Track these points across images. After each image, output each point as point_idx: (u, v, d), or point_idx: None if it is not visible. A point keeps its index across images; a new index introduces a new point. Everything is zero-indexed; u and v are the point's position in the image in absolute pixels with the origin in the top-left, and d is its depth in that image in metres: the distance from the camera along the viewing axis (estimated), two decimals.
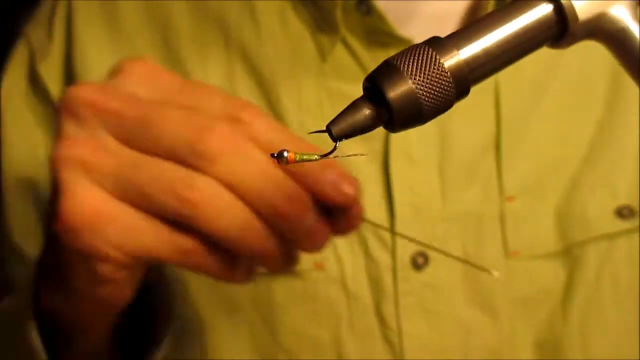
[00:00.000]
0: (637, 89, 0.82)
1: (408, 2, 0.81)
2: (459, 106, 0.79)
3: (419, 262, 0.79)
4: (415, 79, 0.45)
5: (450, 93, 0.46)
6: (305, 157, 0.47)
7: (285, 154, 0.46)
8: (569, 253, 0.80)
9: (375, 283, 0.79)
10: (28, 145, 0.83)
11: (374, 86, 0.46)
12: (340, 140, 0.46)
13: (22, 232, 0.83)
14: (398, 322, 0.78)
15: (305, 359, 0.78)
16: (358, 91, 0.76)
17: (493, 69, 0.48)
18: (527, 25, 0.48)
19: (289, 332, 0.78)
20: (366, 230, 0.78)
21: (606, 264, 0.80)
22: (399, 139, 0.80)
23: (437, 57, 0.46)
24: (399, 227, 0.79)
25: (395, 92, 0.45)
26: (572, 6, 0.48)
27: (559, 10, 0.48)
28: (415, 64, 0.46)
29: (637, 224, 0.81)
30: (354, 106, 0.46)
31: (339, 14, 0.79)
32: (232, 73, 0.81)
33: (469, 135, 0.81)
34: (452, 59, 0.46)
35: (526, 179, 0.82)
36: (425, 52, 0.46)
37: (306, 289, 0.78)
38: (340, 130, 0.45)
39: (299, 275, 0.78)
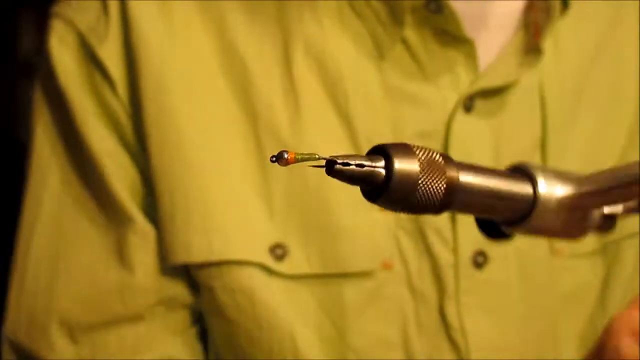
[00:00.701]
0: None
1: (478, 1, 0.84)
2: (510, 107, 0.85)
3: (479, 260, 0.81)
4: (422, 169, 0.49)
5: (437, 198, 0.50)
6: (305, 157, 0.48)
7: (286, 154, 0.48)
8: (605, 251, 0.85)
9: (438, 281, 0.80)
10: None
11: (385, 156, 0.49)
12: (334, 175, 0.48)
13: None
14: (461, 320, 0.80)
15: (375, 358, 0.79)
16: (414, 88, 0.81)
17: (470, 204, 0.53)
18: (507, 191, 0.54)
19: (359, 333, 0.79)
20: (428, 228, 0.80)
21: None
22: (458, 138, 0.82)
23: (442, 164, 0.50)
24: (460, 227, 0.80)
25: (402, 166, 0.49)
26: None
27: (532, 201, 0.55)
28: (426, 157, 0.50)
29: None
30: (361, 157, 0.49)
31: (407, 12, 0.80)
32: (293, 68, 0.81)
33: (519, 135, 0.84)
34: (452, 173, 0.51)
35: None
36: (438, 156, 0.50)
37: (375, 289, 0.79)
38: (337, 168, 0.48)
39: (368, 276, 0.79)
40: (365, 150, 0.82)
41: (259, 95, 0.81)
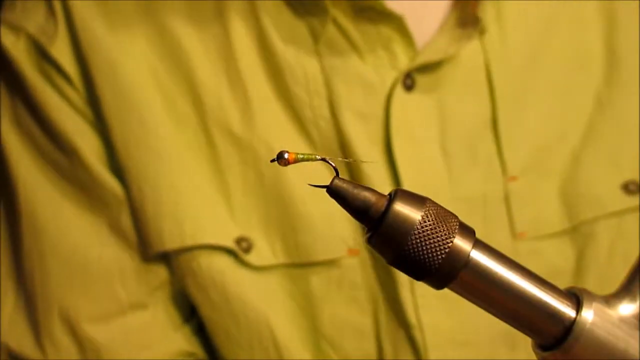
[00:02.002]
0: (636, 61, 0.83)
1: None
2: (454, 84, 0.81)
3: None
4: (424, 219, 0.45)
5: (435, 261, 0.45)
6: (305, 157, 0.48)
7: (286, 155, 0.47)
8: (577, 231, 0.79)
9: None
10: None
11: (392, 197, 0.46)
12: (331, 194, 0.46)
13: None
14: (417, 312, 0.78)
15: (348, 346, 0.79)
16: (350, 69, 0.79)
17: (478, 293, 0.46)
18: (540, 301, 0.46)
19: (330, 321, 0.79)
20: None
21: (617, 241, 0.78)
22: (399, 119, 0.79)
23: (455, 230, 0.46)
24: None
25: (402, 208, 0.45)
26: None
27: (570, 325, 0.46)
28: (436, 214, 0.46)
29: None
30: (368, 189, 0.46)
31: None
32: (238, 63, 0.81)
33: (466, 114, 0.80)
34: (462, 244, 0.46)
35: (527, 157, 0.80)
36: (452, 219, 0.46)
37: (343, 276, 0.79)
38: (337, 186, 0.46)
39: (333, 263, 0.79)
40: (316, 140, 0.80)
41: (206, 91, 0.80)
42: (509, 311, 0.47)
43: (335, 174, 0.47)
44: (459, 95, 0.81)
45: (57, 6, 0.82)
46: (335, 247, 0.79)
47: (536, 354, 0.47)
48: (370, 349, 0.79)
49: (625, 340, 0.46)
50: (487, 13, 0.81)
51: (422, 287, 0.77)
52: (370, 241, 0.46)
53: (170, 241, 0.80)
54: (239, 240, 0.80)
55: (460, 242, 0.46)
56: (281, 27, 0.80)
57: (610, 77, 0.84)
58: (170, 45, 0.81)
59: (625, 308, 0.46)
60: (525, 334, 0.47)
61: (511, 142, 0.81)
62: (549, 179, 0.82)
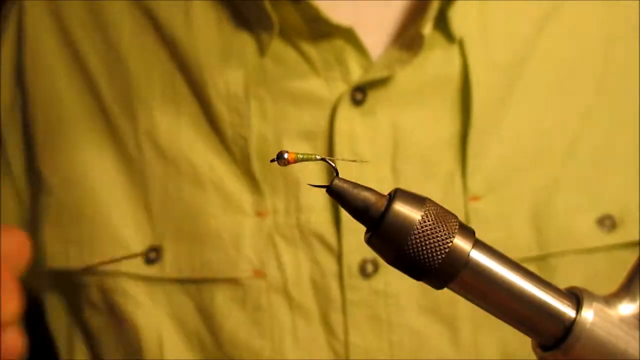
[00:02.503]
0: (635, 75, 0.77)
1: None
2: (416, 98, 0.77)
3: (368, 269, 0.75)
4: (424, 219, 0.45)
5: (434, 261, 0.45)
6: (305, 157, 0.48)
7: (286, 155, 0.47)
8: (545, 261, 0.75)
9: (321, 291, 0.76)
10: None
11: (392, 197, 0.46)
12: (331, 194, 0.46)
13: None
14: (346, 332, 0.76)
15: None
16: (301, 84, 0.76)
17: (477, 293, 0.46)
18: (541, 301, 0.46)
19: (230, 341, 0.77)
20: (311, 235, 0.76)
21: (588, 280, 0.74)
22: (345, 135, 0.76)
23: (455, 230, 0.46)
24: (346, 233, 0.75)
25: (402, 208, 0.45)
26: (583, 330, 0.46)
27: (571, 325, 0.46)
28: (436, 213, 0.46)
29: (619, 239, 0.75)
30: (369, 189, 0.46)
31: (267, 4, 0.75)
32: (173, 77, 0.80)
33: (427, 130, 0.76)
34: (462, 244, 0.46)
35: (496, 176, 0.76)
36: (452, 219, 0.46)
37: (246, 297, 0.77)
38: (337, 186, 0.46)
39: (237, 283, 0.77)
40: (238, 159, 0.78)
41: (139, 99, 0.79)
42: (509, 311, 0.47)
43: (335, 174, 0.47)
44: (419, 108, 0.77)
45: (10, 5, 0.83)
46: (240, 266, 0.77)
47: (536, 354, 0.47)
48: None
49: (625, 340, 0.46)
50: (466, 19, 0.77)
51: (355, 309, 0.75)
52: (370, 241, 0.46)
53: (73, 261, 0.80)
54: (149, 250, 0.79)
55: (460, 242, 0.46)
56: (211, 40, 0.79)
57: (601, 94, 0.79)
58: (113, 56, 0.81)
59: (625, 308, 0.46)
60: (525, 333, 0.47)
61: (480, 159, 0.77)
62: (519, 201, 0.77)
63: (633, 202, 0.78)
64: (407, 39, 0.77)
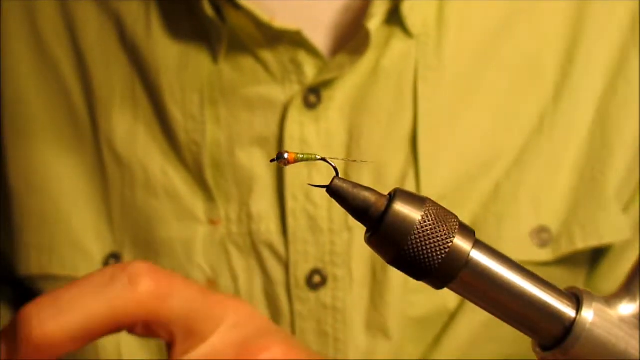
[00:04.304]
0: (592, 84, 0.76)
1: None
2: (371, 98, 0.75)
3: (316, 280, 0.74)
4: (424, 219, 0.45)
5: (434, 261, 0.45)
6: (305, 157, 0.48)
7: (286, 155, 0.47)
8: None
9: (272, 302, 0.75)
10: None
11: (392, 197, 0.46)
12: (331, 194, 0.46)
13: None
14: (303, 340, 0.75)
15: None
16: (256, 89, 0.75)
17: (478, 293, 0.46)
18: (540, 301, 0.46)
19: None
20: (261, 243, 0.75)
21: None
22: (295, 139, 0.75)
23: (455, 230, 0.46)
24: (294, 243, 0.74)
25: (402, 208, 0.45)
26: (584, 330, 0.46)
27: (570, 325, 0.46)
28: (436, 213, 0.46)
29: (550, 256, 0.73)
30: (368, 189, 0.46)
31: (209, 10, 0.75)
32: (133, 82, 0.79)
33: (381, 131, 0.75)
34: (462, 244, 0.46)
35: (449, 182, 0.75)
36: (452, 219, 0.46)
37: None
38: (337, 186, 0.46)
39: None
40: (190, 165, 0.77)
41: (100, 103, 0.79)
42: (508, 311, 0.46)
43: (335, 174, 0.47)
44: (374, 109, 0.76)
45: None
46: (192, 275, 0.76)
47: (536, 353, 0.47)
48: None
49: (625, 340, 0.46)
50: (422, 14, 0.76)
51: (303, 322, 0.75)
52: (370, 241, 0.46)
53: (34, 268, 0.80)
54: (109, 257, 0.79)
55: (460, 242, 0.46)
56: (169, 46, 0.78)
57: (559, 102, 0.78)
58: (80, 58, 0.80)
59: (625, 308, 0.46)
60: (526, 334, 0.47)
61: (432, 163, 0.75)
62: (463, 207, 0.76)
63: (570, 217, 0.77)
64: (357, 37, 0.75)
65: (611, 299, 0.47)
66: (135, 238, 0.78)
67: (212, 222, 0.77)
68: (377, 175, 0.76)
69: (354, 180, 0.73)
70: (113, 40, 0.80)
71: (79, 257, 0.79)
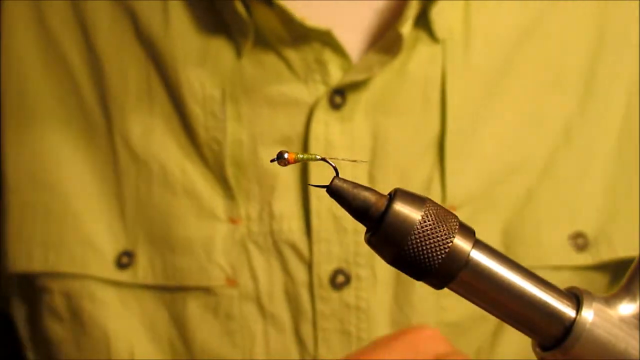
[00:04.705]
0: (617, 92, 0.76)
1: None
2: (397, 101, 0.76)
3: (339, 280, 0.74)
4: (424, 219, 0.45)
5: (434, 261, 0.45)
6: (305, 157, 0.48)
7: (286, 155, 0.47)
8: None
9: (293, 302, 0.75)
10: None
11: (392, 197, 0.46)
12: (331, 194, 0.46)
13: None
14: (315, 345, 0.75)
15: None
16: (279, 88, 0.75)
17: (478, 293, 0.46)
18: (541, 301, 0.46)
19: (202, 351, 0.77)
20: (283, 243, 0.75)
21: None
22: (320, 140, 0.75)
23: (455, 230, 0.45)
24: (317, 243, 0.74)
25: (402, 208, 0.45)
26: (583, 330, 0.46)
27: (570, 325, 0.46)
28: (436, 213, 0.46)
29: (588, 261, 0.74)
30: (369, 189, 0.46)
31: (240, 8, 0.74)
32: (148, 76, 0.79)
33: (407, 134, 0.75)
34: (462, 244, 0.46)
35: (474, 186, 0.75)
36: (452, 219, 0.46)
37: (218, 306, 0.76)
38: (337, 186, 0.46)
39: (209, 291, 0.76)
40: (211, 163, 0.77)
41: (114, 98, 0.78)
42: (509, 311, 0.46)
43: (335, 174, 0.47)
44: (400, 112, 0.76)
45: None
46: (211, 274, 0.76)
47: (536, 353, 0.47)
48: None
49: (625, 340, 0.46)
50: (449, 19, 0.76)
51: (325, 322, 0.75)
52: (370, 241, 0.46)
53: (37, 265, 0.79)
54: (121, 255, 0.78)
55: (460, 242, 0.46)
56: (188, 41, 0.78)
57: (585, 107, 0.78)
58: (92, 54, 0.80)
59: (625, 308, 0.46)
60: (525, 334, 0.47)
61: (458, 167, 0.76)
62: (493, 213, 0.76)
63: (608, 224, 0.77)
64: (387, 39, 0.76)
65: (611, 299, 0.47)
66: (151, 235, 0.78)
67: (232, 220, 0.77)
68: (403, 178, 0.76)
69: (381, 183, 0.75)
70: (127, 36, 0.79)
71: (90, 254, 0.78)
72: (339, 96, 0.76)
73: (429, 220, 0.45)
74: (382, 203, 0.46)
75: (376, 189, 0.74)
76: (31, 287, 0.81)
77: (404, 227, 0.45)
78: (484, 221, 0.76)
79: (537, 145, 0.77)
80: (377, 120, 0.76)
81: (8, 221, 0.81)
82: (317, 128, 0.75)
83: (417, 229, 0.45)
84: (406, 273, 0.46)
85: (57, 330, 0.80)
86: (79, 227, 0.79)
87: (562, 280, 0.76)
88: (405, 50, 0.75)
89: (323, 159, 0.48)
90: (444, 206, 0.47)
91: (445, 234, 0.45)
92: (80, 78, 0.80)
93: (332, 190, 0.46)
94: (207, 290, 0.76)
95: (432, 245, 0.45)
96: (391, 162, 0.76)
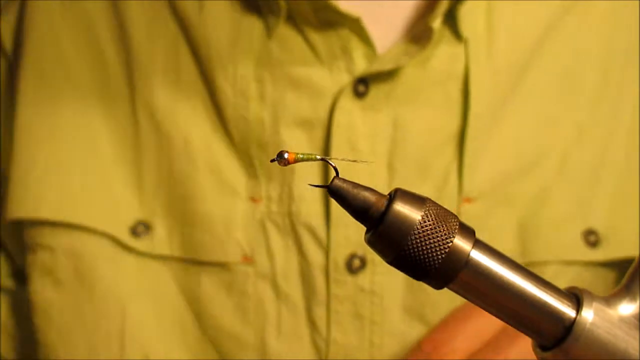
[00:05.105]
0: (630, 96, 0.78)
1: None
2: (417, 94, 0.77)
3: (355, 264, 0.75)
4: (424, 219, 0.45)
5: (435, 261, 0.45)
6: (305, 157, 0.48)
7: (286, 155, 0.47)
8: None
9: (307, 283, 0.76)
10: None
11: (392, 197, 0.46)
12: (331, 194, 0.46)
13: None
14: (328, 328, 0.75)
15: (229, 354, 0.77)
16: (304, 71, 0.76)
17: (477, 293, 0.46)
18: (540, 301, 0.46)
19: (214, 326, 0.77)
20: (300, 224, 0.75)
21: None
22: (343, 127, 0.75)
23: (455, 230, 0.46)
24: (335, 227, 0.74)
25: (402, 208, 0.45)
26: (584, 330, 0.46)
27: (570, 325, 0.46)
28: (436, 213, 0.46)
29: (600, 257, 0.75)
30: (369, 189, 0.46)
31: None
32: (177, 50, 0.78)
33: (427, 127, 0.76)
34: (462, 244, 0.46)
35: (490, 180, 0.76)
36: (452, 219, 0.46)
37: (233, 282, 0.76)
38: (337, 186, 0.46)
39: (225, 267, 0.76)
40: (237, 141, 0.77)
41: (139, 67, 0.78)
42: (509, 311, 0.46)
43: (335, 174, 0.47)
44: (421, 105, 0.77)
45: None
46: (229, 250, 0.76)
47: (536, 353, 0.47)
48: None
49: (625, 340, 0.46)
50: (473, 18, 0.77)
51: (339, 305, 0.75)
52: (370, 241, 0.46)
53: (49, 212, 0.77)
54: (137, 224, 0.78)
55: (460, 242, 0.46)
56: (221, 19, 0.77)
57: (597, 108, 0.80)
58: (119, 20, 0.79)
59: (625, 308, 0.46)
60: (526, 334, 0.47)
61: (475, 161, 0.77)
62: (509, 207, 0.78)
63: (619, 221, 0.79)
64: (416, 32, 0.77)
65: (611, 299, 0.47)
66: (169, 208, 0.78)
67: (253, 199, 0.77)
68: (421, 169, 0.77)
69: (400, 172, 0.76)
70: (158, 7, 0.79)
71: (109, 212, 0.77)
72: (362, 85, 0.76)
73: (429, 220, 0.45)
74: (382, 203, 0.46)
75: (395, 179, 0.76)
76: (20, 246, 0.80)
77: (404, 227, 0.45)
78: (501, 214, 0.77)
79: (552, 144, 0.79)
80: (398, 111, 0.77)
81: (14, 164, 0.79)
82: (340, 115, 0.76)
83: (417, 229, 0.45)
84: (406, 273, 0.46)
85: (48, 295, 0.79)
86: (100, 187, 0.78)
87: (573, 274, 0.78)
88: (430, 45, 0.76)
89: (323, 159, 0.48)
90: (444, 207, 0.47)
91: (445, 234, 0.46)
92: (106, 44, 0.80)
93: (332, 190, 0.46)
94: (223, 266, 0.77)
95: (432, 246, 0.45)
96: (410, 153, 0.77)
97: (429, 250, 0.45)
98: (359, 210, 0.46)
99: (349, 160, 0.76)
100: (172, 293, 0.78)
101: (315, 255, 0.76)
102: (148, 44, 0.79)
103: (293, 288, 0.76)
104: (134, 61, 0.79)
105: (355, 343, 0.76)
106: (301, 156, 0.48)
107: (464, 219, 0.74)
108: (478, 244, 0.46)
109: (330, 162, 0.48)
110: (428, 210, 0.46)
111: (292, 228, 0.76)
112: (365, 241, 0.47)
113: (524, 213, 0.78)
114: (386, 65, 0.76)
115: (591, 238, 0.78)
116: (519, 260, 0.75)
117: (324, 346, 0.76)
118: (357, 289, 0.75)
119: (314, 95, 0.77)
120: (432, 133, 0.77)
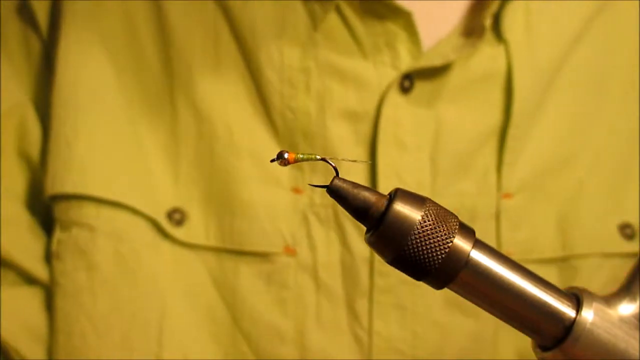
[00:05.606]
0: None
1: None
2: (461, 91, 0.78)
3: None
4: (424, 219, 0.45)
5: (434, 261, 0.45)
6: (305, 157, 0.48)
7: (286, 155, 0.47)
8: (567, 262, 0.77)
9: (349, 275, 0.76)
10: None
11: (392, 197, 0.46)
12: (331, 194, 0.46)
13: None
14: (370, 319, 0.76)
15: (265, 346, 0.76)
16: (347, 64, 0.76)
17: (477, 293, 0.46)
18: (540, 301, 0.46)
19: (250, 319, 0.76)
20: (345, 217, 0.75)
21: (606, 282, 0.76)
22: (390, 121, 0.76)
23: (455, 230, 0.46)
24: None
25: (402, 208, 0.45)
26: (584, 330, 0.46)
27: (570, 325, 0.46)
28: (436, 214, 0.46)
29: (635, 248, 0.76)
30: (368, 189, 0.46)
31: None
32: (217, 37, 0.77)
33: (468, 124, 0.77)
34: (462, 244, 0.46)
35: (529, 176, 0.78)
36: (452, 219, 0.46)
37: (273, 273, 0.76)
38: (337, 186, 0.46)
39: (266, 258, 0.76)
40: (281, 131, 0.77)
41: (179, 54, 0.77)
42: (509, 311, 0.47)
43: (335, 174, 0.47)
44: (464, 102, 0.78)
45: None
46: (271, 241, 0.76)
47: (536, 353, 0.47)
48: (289, 354, 0.76)
49: (625, 340, 0.46)
50: (513, 20, 0.78)
51: (382, 296, 0.75)
52: (370, 241, 0.46)
53: (93, 188, 0.75)
54: (172, 211, 0.76)
55: (460, 242, 0.46)
56: (266, 7, 0.77)
57: (626, 106, 0.81)
58: (156, 5, 0.78)
59: (625, 308, 0.46)
60: (525, 334, 0.47)
61: (515, 157, 0.78)
62: (548, 202, 0.79)
63: None
64: (466, 30, 0.78)
65: (611, 299, 0.47)
66: (208, 195, 0.77)
67: (296, 190, 0.77)
68: (461, 164, 0.78)
69: (440, 167, 0.77)
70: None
71: (149, 197, 0.76)
72: (407, 80, 0.77)
73: (429, 220, 0.45)
74: (382, 203, 0.46)
75: (435, 173, 0.77)
76: (50, 227, 0.78)
77: (404, 227, 0.45)
78: (540, 209, 0.78)
79: (586, 139, 0.80)
80: (441, 107, 0.78)
81: (56, 139, 0.77)
82: (387, 109, 0.76)
83: (417, 229, 0.45)
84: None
85: (79, 277, 0.76)
86: (138, 165, 0.77)
87: (612, 267, 0.79)
88: (481, 42, 0.77)
89: (323, 159, 0.48)
90: (445, 208, 0.47)
91: (445, 234, 0.46)
92: (143, 29, 0.78)
93: (332, 190, 0.46)
94: (263, 257, 0.76)
95: (432, 246, 0.45)
96: (451, 148, 0.77)
97: (429, 250, 0.45)
98: (359, 210, 0.46)
99: (349, 160, 0.77)
100: (205, 285, 0.77)
101: (359, 247, 0.76)
102: (187, 29, 0.77)
103: (334, 280, 0.76)
104: (172, 47, 0.78)
105: (397, 334, 0.76)
106: (301, 156, 0.48)
107: (503, 214, 0.78)
108: (478, 244, 0.46)
109: (330, 162, 0.48)
110: (428, 210, 0.46)
111: (335, 220, 0.76)
112: (366, 241, 0.47)
113: (561, 208, 0.79)
114: (435, 61, 0.76)
115: (627, 231, 0.80)
116: (559, 253, 0.77)
117: (365, 337, 0.76)
118: (400, 280, 0.75)
119: (359, 88, 0.76)
120: (473, 130, 0.78)
